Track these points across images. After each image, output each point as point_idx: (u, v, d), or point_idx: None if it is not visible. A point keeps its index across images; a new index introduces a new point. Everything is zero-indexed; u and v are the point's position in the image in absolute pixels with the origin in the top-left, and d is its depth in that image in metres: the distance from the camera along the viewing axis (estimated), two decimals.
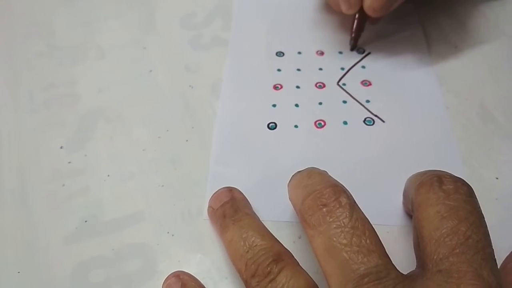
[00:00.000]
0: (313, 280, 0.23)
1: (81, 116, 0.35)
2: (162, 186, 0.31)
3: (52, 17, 0.42)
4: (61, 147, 0.33)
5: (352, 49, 0.39)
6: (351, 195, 0.23)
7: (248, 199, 0.29)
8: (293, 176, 0.26)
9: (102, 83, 0.37)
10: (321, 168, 0.26)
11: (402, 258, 0.26)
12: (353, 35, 0.38)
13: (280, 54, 0.38)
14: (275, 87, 0.36)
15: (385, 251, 0.21)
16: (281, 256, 0.23)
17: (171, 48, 0.40)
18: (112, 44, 0.40)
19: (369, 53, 0.38)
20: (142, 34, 0.41)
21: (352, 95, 0.35)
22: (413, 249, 0.24)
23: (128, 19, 0.42)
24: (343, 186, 0.24)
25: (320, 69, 0.37)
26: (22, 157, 0.33)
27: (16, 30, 0.41)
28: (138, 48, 0.40)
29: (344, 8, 0.37)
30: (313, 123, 0.34)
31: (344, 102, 0.35)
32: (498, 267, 0.21)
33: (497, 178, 0.31)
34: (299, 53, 0.38)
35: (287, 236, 0.29)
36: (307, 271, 0.23)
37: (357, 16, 0.37)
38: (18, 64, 0.39)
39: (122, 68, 0.38)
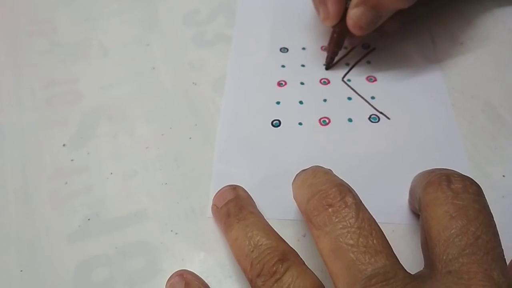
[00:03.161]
0: (319, 280, 0.23)
1: (84, 113, 0.35)
2: (166, 184, 0.31)
3: (54, 14, 0.42)
4: (64, 145, 0.33)
5: (327, 69, 0.37)
6: (357, 194, 0.23)
7: (252, 197, 0.29)
8: (297, 175, 0.26)
9: (104, 81, 0.37)
10: (326, 166, 0.26)
11: (408, 257, 0.26)
12: (329, 53, 0.36)
13: (284, 50, 0.38)
14: (279, 84, 0.36)
15: (393, 251, 0.21)
16: (286, 256, 0.23)
17: (174, 45, 0.39)
18: (114, 41, 0.40)
19: (374, 49, 0.38)
20: (145, 31, 0.40)
21: (357, 91, 0.35)
22: (418, 248, 0.24)
23: (131, 16, 0.42)
24: (349, 186, 0.23)
25: (325, 64, 0.37)
26: (25, 154, 0.33)
27: (18, 28, 0.41)
28: (141, 45, 0.39)
29: (321, 17, 0.35)
30: (318, 121, 0.34)
31: (349, 98, 0.35)
32: None
33: (503, 176, 0.30)
34: (303, 48, 0.38)
35: (291, 234, 0.28)
36: (312, 269, 0.23)
37: (336, 31, 0.36)
38: (20, 62, 0.39)
39: (124, 65, 0.38)
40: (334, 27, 0.36)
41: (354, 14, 0.33)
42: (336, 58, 0.37)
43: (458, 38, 0.39)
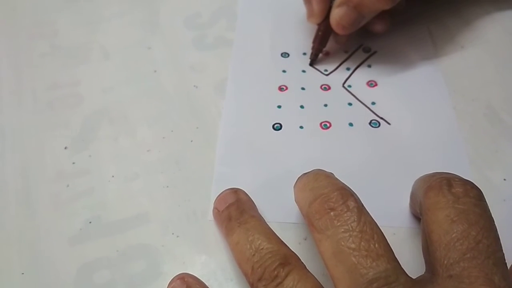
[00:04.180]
0: (320, 284, 0.23)
1: (85, 116, 0.35)
2: (167, 187, 0.31)
3: (56, 17, 0.42)
4: (65, 148, 0.33)
5: (311, 64, 0.37)
6: (358, 198, 0.23)
7: (253, 200, 0.29)
8: (299, 178, 0.26)
9: (106, 83, 0.37)
10: (327, 169, 0.26)
11: (409, 260, 0.26)
12: (313, 49, 0.37)
13: (285, 55, 0.38)
14: (280, 88, 0.36)
15: (394, 255, 0.21)
16: (288, 260, 0.23)
17: (176, 48, 0.39)
18: (116, 44, 0.40)
19: (375, 52, 0.38)
20: (146, 34, 0.40)
21: (358, 97, 0.35)
22: (420, 251, 0.24)
23: (132, 19, 0.42)
24: (351, 189, 0.23)
25: (326, 70, 0.37)
26: (26, 157, 0.33)
27: (19, 30, 0.41)
28: (142, 48, 0.39)
29: (307, 15, 0.36)
30: (319, 124, 0.34)
31: (350, 104, 0.35)
32: None
33: (504, 180, 0.31)
34: (304, 54, 0.38)
35: (292, 237, 0.28)
36: (313, 273, 0.23)
37: (320, 29, 0.36)
38: (22, 64, 0.39)
39: (126, 68, 0.38)
40: (319, 25, 0.36)
41: (337, 13, 0.34)
42: (337, 63, 0.37)
43: (459, 41, 0.39)
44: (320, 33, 0.36)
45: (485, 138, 0.33)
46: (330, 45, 0.38)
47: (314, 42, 0.37)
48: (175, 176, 0.32)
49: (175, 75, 0.37)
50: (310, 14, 0.36)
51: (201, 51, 0.39)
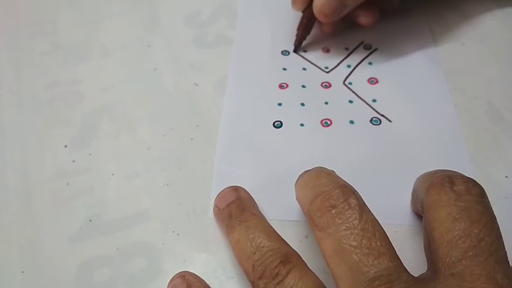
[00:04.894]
0: (321, 282, 0.23)
1: (86, 114, 0.35)
2: (167, 185, 0.31)
3: (56, 15, 0.42)
4: (65, 146, 0.33)
5: (294, 51, 0.38)
6: (360, 196, 0.23)
7: (254, 198, 0.29)
8: (300, 175, 0.26)
9: (106, 82, 0.37)
10: (328, 167, 0.26)
11: (410, 258, 0.26)
12: (297, 37, 0.38)
13: (285, 52, 0.38)
14: (281, 86, 0.36)
15: (396, 253, 0.21)
16: (289, 258, 0.23)
17: (176, 46, 0.39)
18: (116, 42, 0.40)
19: (375, 49, 0.38)
20: (147, 32, 0.40)
21: (359, 94, 0.35)
22: (421, 249, 0.24)
23: (133, 17, 0.42)
24: (352, 187, 0.23)
25: (326, 67, 0.37)
26: (26, 156, 0.33)
27: (20, 29, 0.41)
28: (142, 46, 0.39)
29: (291, 1, 0.37)
30: (319, 122, 0.33)
31: (351, 102, 0.35)
32: None
33: (506, 177, 0.30)
34: (305, 51, 0.38)
35: (293, 235, 0.28)
36: (314, 271, 0.23)
37: (305, 16, 0.37)
38: (22, 63, 0.39)
39: (126, 66, 0.38)
40: (303, 12, 0.37)
41: (318, 1, 0.34)
42: (338, 60, 0.37)
43: (460, 39, 0.38)
44: (304, 20, 0.37)
45: (486, 135, 0.33)
46: (329, 41, 0.38)
47: (298, 29, 0.38)
48: (175, 174, 0.32)
49: (175, 73, 0.37)
50: (293, 1, 0.37)
51: (201, 49, 0.39)
